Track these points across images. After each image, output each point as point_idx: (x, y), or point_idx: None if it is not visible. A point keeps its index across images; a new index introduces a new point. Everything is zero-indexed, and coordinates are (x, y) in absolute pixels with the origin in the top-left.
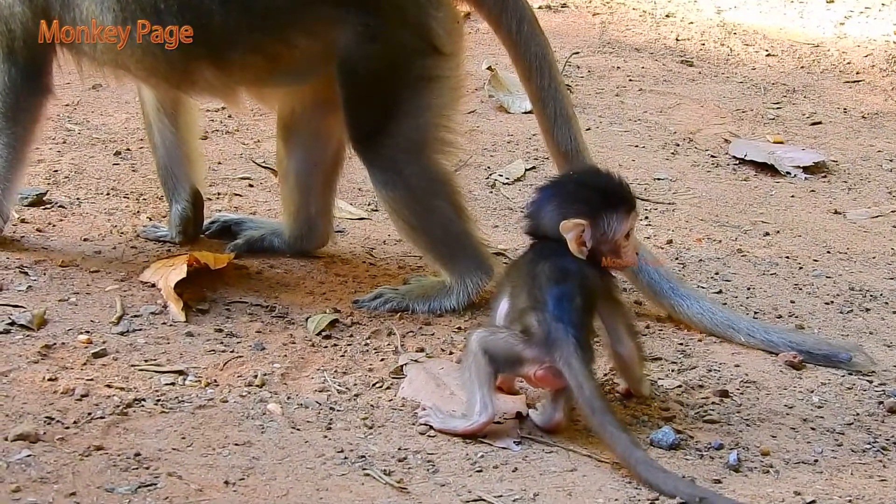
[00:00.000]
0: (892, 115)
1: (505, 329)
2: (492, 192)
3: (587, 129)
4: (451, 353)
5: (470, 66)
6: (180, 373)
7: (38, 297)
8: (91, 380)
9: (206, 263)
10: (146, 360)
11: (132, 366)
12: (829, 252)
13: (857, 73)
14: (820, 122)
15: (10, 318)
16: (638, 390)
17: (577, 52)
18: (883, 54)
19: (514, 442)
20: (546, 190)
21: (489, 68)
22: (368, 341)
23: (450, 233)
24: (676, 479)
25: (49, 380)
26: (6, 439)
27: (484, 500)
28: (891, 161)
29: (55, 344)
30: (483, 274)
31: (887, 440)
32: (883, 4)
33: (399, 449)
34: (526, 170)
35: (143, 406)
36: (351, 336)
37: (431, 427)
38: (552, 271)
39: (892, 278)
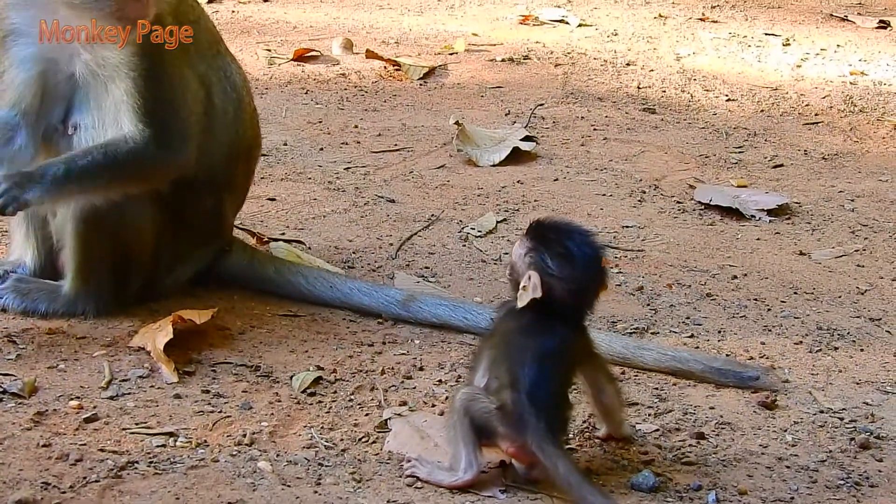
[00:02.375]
0: (851, 156)
1: (484, 397)
2: (465, 246)
3: (555, 180)
4: (433, 406)
5: (437, 120)
6: (171, 434)
7: (27, 365)
8: (84, 444)
9: (192, 319)
10: (137, 423)
11: (123, 429)
12: (796, 293)
13: (816, 114)
14: (782, 165)
15: (1, 387)
16: (619, 433)
17: (542, 104)
18: (840, 95)
19: (500, 490)
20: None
21: (456, 123)
22: (352, 397)
23: (115, 258)
24: None
25: (43, 446)
26: None
27: None
28: (852, 201)
29: (47, 410)
30: (94, 309)
31: (860, 476)
32: (838, 46)
33: (388, 501)
34: (497, 222)
35: (136, 468)
36: (335, 392)
37: (418, 478)
38: (534, 350)
39: (858, 316)
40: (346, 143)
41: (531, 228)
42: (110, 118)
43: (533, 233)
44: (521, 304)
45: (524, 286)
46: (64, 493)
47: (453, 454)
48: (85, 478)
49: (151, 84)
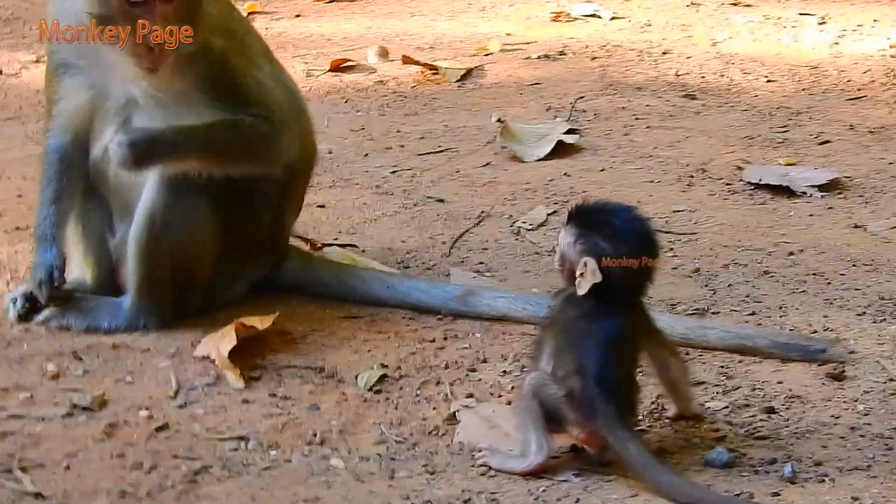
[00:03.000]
0: None
1: (553, 384)
2: (517, 239)
3: (601, 170)
4: (499, 396)
5: (478, 120)
6: (242, 438)
7: (94, 379)
8: (157, 452)
9: (254, 325)
10: (207, 430)
11: (195, 436)
12: (854, 265)
13: (858, 89)
14: (829, 141)
15: (71, 402)
16: (688, 410)
17: (582, 97)
18: (881, 69)
19: (573, 474)
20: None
21: (499, 120)
22: (418, 392)
23: (176, 273)
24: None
25: (117, 456)
26: None
27: None
28: None
29: (118, 422)
30: (156, 323)
31: None
32: (875, 20)
33: (463, 491)
34: (548, 215)
35: (210, 473)
36: (401, 389)
37: (490, 467)
38: (598, 335)
39: None
40: (391, 148)
41: (573, 214)
42: None
43: (577, 218)
44: (581, 291)
45: (581, 273)
46: (141, 500)
47: (523, 439)
48: (161, 485)
49: (233, 87)
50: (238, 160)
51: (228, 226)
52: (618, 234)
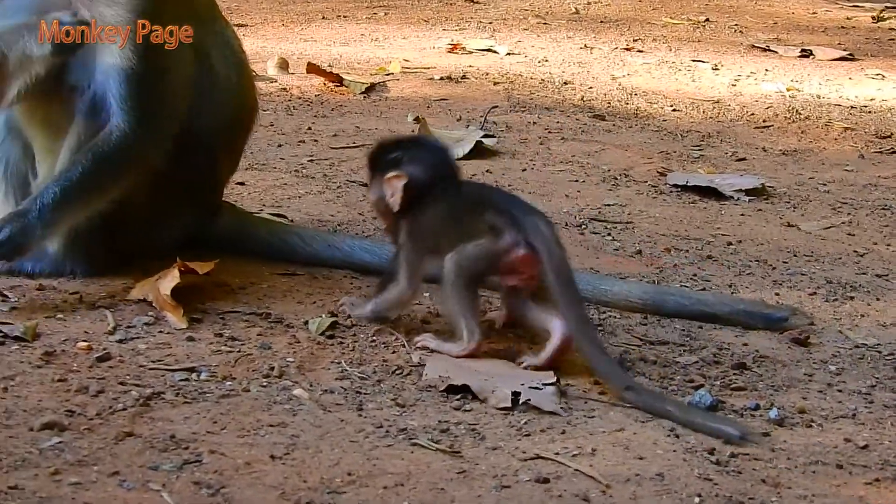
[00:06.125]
0: (810, 153)
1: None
2: None
3: (523, 170)
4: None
5: (390, 124)
6: (192, 370)
7: (23, 315)
8: (102, 379)
9: (195, 269)
10: (153, 362)
11: (140, 366)
12: (795, 256)
13: (764, 121)
14: (744, 159)
15: (0, 332)
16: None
17: (496, 106)
18: (783, 106)
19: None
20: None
21: (416, 119)
22: (374, 338)
23: (104, 216)
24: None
25: (59, 380)
26: (32, 429)
27: (542, 457)
28: (824, 185)
29: (55, 351)
30: (83, 269)
31: None
32: (766, 70)
33: (439, 422)
34: None
35: (163, 398)
36: (354, 335)
37: (429, 349)
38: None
39: (863, 273)
40: (304, 142)
41: (368, 161)
42: (101, 85)
43: (367, 164)
44: (398, 203)
45: (391, 193)
46: (91, 419)
47: (455, 326)
48: (111, 407)
49: (145, 54)
50: (116, 185)
51: (161, 171)
52: (397, 143)
